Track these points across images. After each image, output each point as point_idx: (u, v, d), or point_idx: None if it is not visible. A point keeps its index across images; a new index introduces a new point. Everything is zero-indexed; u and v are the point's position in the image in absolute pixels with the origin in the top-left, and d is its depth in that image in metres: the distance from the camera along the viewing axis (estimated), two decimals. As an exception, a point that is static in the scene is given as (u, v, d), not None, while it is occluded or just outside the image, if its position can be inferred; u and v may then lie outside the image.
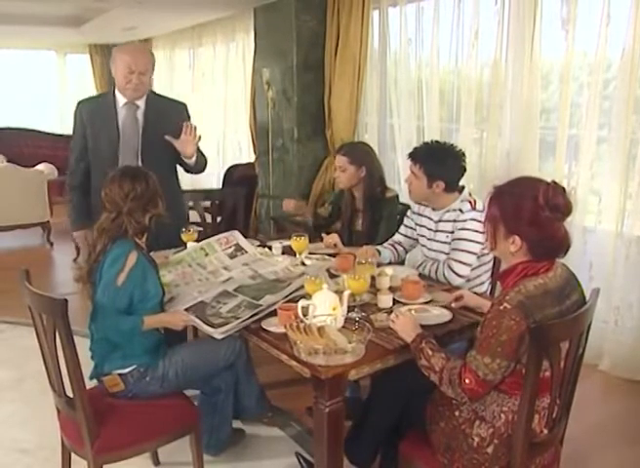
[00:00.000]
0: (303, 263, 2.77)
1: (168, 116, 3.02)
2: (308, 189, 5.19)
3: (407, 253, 3.02)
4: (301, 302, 2.07)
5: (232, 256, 2.76)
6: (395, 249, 2.95)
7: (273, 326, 2.11)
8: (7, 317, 4.15)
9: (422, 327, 1.98)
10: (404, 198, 3.18)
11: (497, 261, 2.73)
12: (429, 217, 2.79)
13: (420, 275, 2.60)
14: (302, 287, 2.30)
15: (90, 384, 2.14)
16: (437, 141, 2.75)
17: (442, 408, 1.88)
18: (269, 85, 5.24)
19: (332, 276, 2.57)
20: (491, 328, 1.69)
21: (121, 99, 2.99)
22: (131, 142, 2.97)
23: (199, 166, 3.10)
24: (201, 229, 3.51)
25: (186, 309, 2.27)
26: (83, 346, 2.08)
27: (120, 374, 2.20)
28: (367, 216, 3.20)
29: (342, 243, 3.01)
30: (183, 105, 3.17)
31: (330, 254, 2.91)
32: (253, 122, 5.88)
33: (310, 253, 2.90)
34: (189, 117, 3.14)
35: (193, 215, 3.84)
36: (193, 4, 5.75)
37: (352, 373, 1.89)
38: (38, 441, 2.75)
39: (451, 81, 4.28)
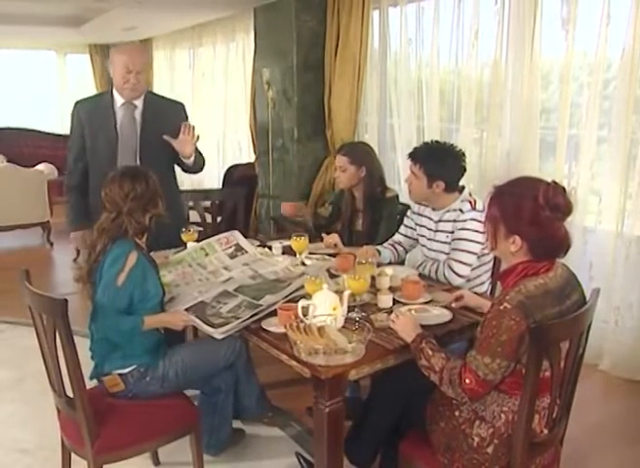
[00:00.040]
0: (304, 263, 2.77)
1: (166, 116, 3.02)
2: (308, 189, 5.19)
3: (407, 253, 3.02)
4: (302, 302, 2.07)
5: (232, 256, 2.76)
6: (395, 249, 2.95)
7: (273, 326, 2.11)
8: (7, 317, 4.15)
9: (423, 327, 1.98)
10: (404, 198, 3.18)
11: (497, 261, 2.73)
12: (429, 217, 2.79)
13: (420, 275, 2.60)
14: (303, 287, 2.30)
15: (90, 384, 2.14)
16: (437, 141, 2.75)
17: (442, 408, 1.88)
18: (269, 85, 5.24)
19: (332, 276, 2.57)
20: (491, 328, 1.69)
21: (119, 99, 2.99)
22: (129, 142, 2.97)
23: (197, 166, 3.10)
24: (201, 229, 3.51)
25: (187, 309, 2.27)
26: (83, 346, 2.08)
27: (120, 374, 2.20)
28: (367, 216, 3.20)
29: (343, 243, 3.01)
30: (181, 105, 3.17)
31: (330, 254, 2.91)
32: (253, 122, 5.88)
33: (310, 253, 2.90)
34: (187, 117, 3.14)
35: (193, 215, 3.84)
36: (193, 4, 5.75)
37: (352, 373, 1.89)
38: (38, 441, 2.75)
39: (451, 81, 4.28)
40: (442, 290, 2.48)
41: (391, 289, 2.39)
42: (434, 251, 2.75)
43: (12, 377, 3.39)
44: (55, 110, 9.14)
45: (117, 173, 2.29)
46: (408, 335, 1.93)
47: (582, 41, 3.36)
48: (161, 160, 2.94)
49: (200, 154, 3.09)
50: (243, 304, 2.28)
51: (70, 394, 2.01)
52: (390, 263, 2.83)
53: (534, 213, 1.71)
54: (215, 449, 2.53)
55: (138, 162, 2.93)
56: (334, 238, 3.01)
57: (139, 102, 3.00)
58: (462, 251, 2.60)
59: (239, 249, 2.81)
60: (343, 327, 1.98)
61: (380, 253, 2.87)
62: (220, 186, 6.19)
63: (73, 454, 2.18)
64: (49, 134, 8.59)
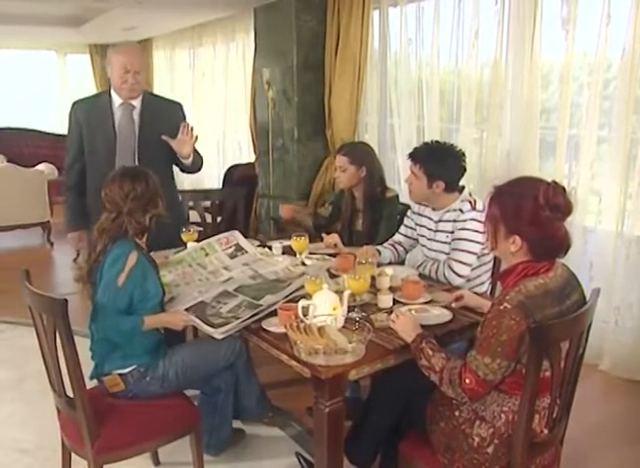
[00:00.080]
0: (304, 263, 2.77)
1: (164, 116, 3.02)
2: (308, 189, 5.19)
3: (407, 253, 3.02)
4: (302, 302, 2.07)
5: (232, 256, 2.76)
6: (395, 249, 2.95)
7: (273, 326, 2.11)
8: (7, 317, 4.15)
9: (423, 327, 1.98)
10: (404, 198, 3.18)
11: (497, 261, 2.73)
12: (429, 217, 2.79)
13: (420, 275, 2.60)
14: (303, 287, 2.30)
15: (90, 384, 2.14)
16: (437, 141, 2.75)
17: (442, 408, 1.88)
18: (269, 85, 5.24)
19: (332, 276, 2.57)
20: (491, 328, 1.69)
21: (117, 100, 2.99)
22: (127, 143, 2.97)
23: (195, 166, 3.10)
24: (201, 229, 3.51)
25: (187, 309, 2.27)
26: (83, 346, 2.08)
27: (120, 374, 2.20)
28: (367, 216, 3.20)
29: (343, 243, 3.01)
30: (179, 105, 3.17)
31: (330, 254, 2.91)
32: (253, 122, 5.88)
33: (310, 253, 2.90)
34: (185, 117, 3.14)
35: (193, 215, 3.84)
36: (193, 4, 5.75)
37: (352, 373, 1.89)
38: (38, 441, 2.75)
39: (451, 81, 4.28)
40: (442, 290, 2.48)
41: (391, 289, 2.39)
42: (434, 251, 2.75)
43: (12, 377, 3.39)
44: (55, 110, 9.14)
45: (117, 173, 2.29)
46: (408, 335, 1.93)
47: (582, 41, 3.36)
48: (159, 160, 2.93)
49: (198, 154, 3.09)
50: (243, 304, 2.28)
51: (70, 394, 2.01)
52: (390, 263, 2.83)
53: (534, 212, 1.71)
54: (215, 449, 2.53)
55: (136, 162, 2.93)
56: (334, 238, 3.01)
57: (136, 102, 3.00)
58: (462, 251, 2.60)
59: (239, 249, 2.81)
60: (344, 327, 1.98)
61: (380, 253, 2.87)
62: (220, 186, 6.20)
63: (73, 454, 2.18)
64: (49, 134, 8.59)
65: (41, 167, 7.31)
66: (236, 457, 2.63)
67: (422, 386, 1.91)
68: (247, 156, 6.56)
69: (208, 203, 3.92)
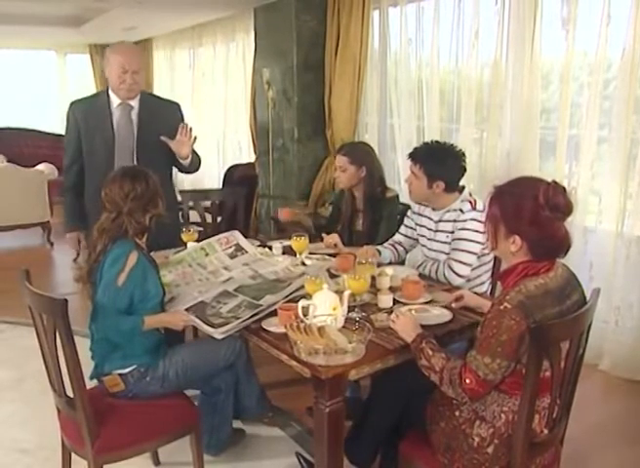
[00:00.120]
0: (304, 263, 2.77)
1: (162, 116, 3.02)
2: (308, 189, 5.19)
3: (407, 253, 3.02)
4: (302, 302, 2.07)
5: (232, 256, 2.76)
6: (395, 249, 2.95)
7: (273, 326, 2.11)
8: (7, 317, 4.15)
9: (423, 327, 1.98)
10: (404, 198, 3.18)
11: (497, 261, 2.73)
12: (429, 217, 2.79)
13: (420, 275, 2.60)
14: (303, 287, 2.30)
15: (90, 384, 2.14)
16: (437, 141, 2.75)
17: (442, 408, 1.88)
18: (269, 85, 5.24)
19: (332, 276, 2.57)
20: (491, 327, 1.69)
21: (115, 100, 2.98)
22: (126, 143, 2.96)
23: (193, 166, 3.10)
24: (201, 229, 3.51)
25: (187, 309, 2.27)
26: (83, 346, 2.08)
27: (120, 374, 2.20)
28: (367, 216, 3.20)
29: (343, 243, 3.01)
30: (177, 105, 3.17)
31: (330, 254, 2.91)
32: (253, 122, 5.88)
33: (310, 253, 2.90)
34: (183, 117, 3.13)
35: (193, 215, 3.84)
36: (193, 4, 5.75)
37: (352, 373, 1.89)
38: (38, 441, 2.75)
39: (451, 81, 4.28)
40: (442, 290, 2.48)
41: (391, 289, 2.38)
42: (434, 251, 2.75)
43: (12, 377, 3.39)
44: (55, 110, 9.14)
45: (117, 173, 2.28)
46: (408, 335, 1.93)
47: (583, 41, 3.36)
48: (158, 160, 2.93)
49: (196, 155, 3.09)
50: (243, 304, 2.28)
51: (70, 394, 2.01)
52: (390, 263, 2.83)
53: (534, 212, 1.71)
54: (215, 449, 2.53)
55: (135, 162, 2.93)
56: (334, 238, 3.01)
57: (134, 103, 2.99)
58: (463, 251, 2.60)
59: (239, 249, 2.81)
60: (344, 327, 1.98)
61: (380, 253, 2.87)
62: (221, 186, 6.19)
63: (73, 454, 2.18)
64: (49, 134, 8.60)
65: (41, 167, 7.31)
66: (236, 457, 2.63)
67: (422, 386, 1.91)
68: (247, 156, 6.56)
69: (208, 203, 3.92)
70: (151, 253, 2.42)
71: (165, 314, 2.27)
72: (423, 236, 2.84)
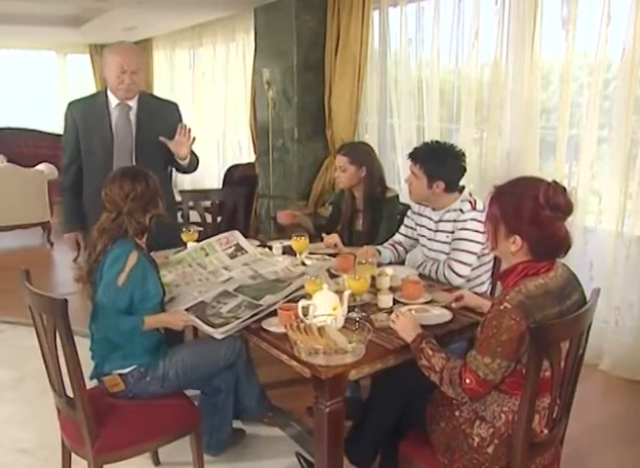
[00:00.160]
0: (304, 263, 2.77)
1: (160, 116, 3.02)
2: (309, 189, 5.19)
3: (407, 253, 3.02)
4: (302, 302, 2.07)
5: (232, 256, 2.76)
6: (395, 249, 2.95)
7: (273, 326, 2.11)
8: (7, 317, 4.15)
9: (423, 327, 1.98)
10: (404, 198, 3.18)
11: (497, 261, 2.73)
12: (429, 217, 2.79)
13: (420, 275, 2.60)
14: (303, 287, 2.30)
15: (90, 384, 2.14)
16: (437, 141, 2.74)
17: (442, 407, 1.88)
18: (269, 85, 5.24)
19: (332, 276, 2.57)
20: (491, 327, 1.69)
21: (113, 100, 2.98)
22: (125, 143, 2.96)
23: (191, 166, 3.10)
24: (201, 229, 3.51)
25: (187, 309, 2.27)
26: (83, 346, 2.08)
27: (120, 374, 2.20)
28: (367, 216, 3.20)
29: (343, 243, 3.01)
30: (175, 105, 3.17)
31: (330, 254, 2.91)
32: (253, 122, 5.88)
33: (310, 253, 2.90)
34: (181, 117, 3.13)
35: (193, 215, 3.84)
36: (193, 4, 5.75)
37: (352, 373, 1.89)
38: (38, 441, 2.75)
39: (451, 81, 4.28)
40: (442, 290, 2.48)
41: (391, 289, 2.38)
42: (434, 251, 2.75)
43: (12, 377, 3.39)
44: (55, 110, 9.12)
45: (117, 173, 2.28)
46: (408, 335, 1.93)
47: (583, 41, 3.36)
48: (157, 160, 2.93)
49: (194, 155, 3.09)
50: (243, 304, 2.28)
51: (70, 394, 2.01)
52: (390, 263, 2.83)
53: (534, 212, 1.71)
54: (215, 449, 2.53)
55: (134, 162, 2.93)
56: (334, 238, 3.01)
57: (133, 103, 2.99)
58: (463, 251, 2.60)
59: (239, 249, 2.81)
60: (344, 327, 1.98)
61: (380, 253, 2.87)
62: (221, 186, 6.19)
63: (73, 454, 2.18)
64: (49, 134, 8.59)
65: (41, 167, 7.31)
66: (236, 457, 2.63)
67: (422, 386, 1.91)
68: (247, 156, 6.56)
69: (208, 203, 3.93)
70: (151, 253, 2.42)
71: (165, 314, 2.27)
72: (423, 236, 2.84)
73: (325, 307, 2.02)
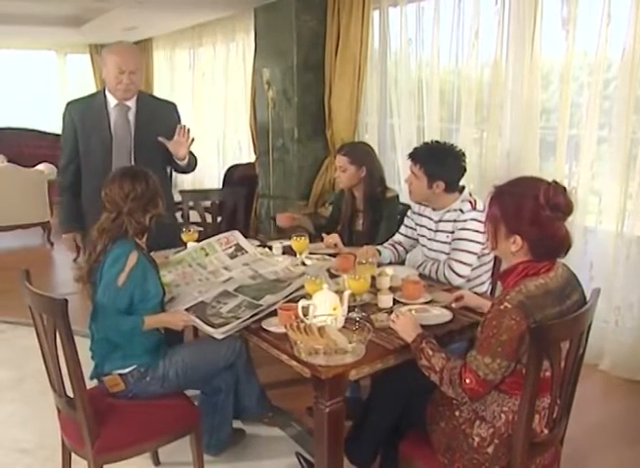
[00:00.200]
0: (304, 263, 2.77)
1: (159, 116, 3.02)
2: (309, 189, 5.19)
3: (407, 253, 3.02)
4: (302, 302, 2.07)
5: (232, 256, 2.76)
6: (395, 249, 2.95)
7: (273, 326, 2.11)
8: (7, 317, 4.15)
9: (423, 327, 1.98)
10: (404, 198, 3.18)
11: (497, 261, 2.73)
12: (429, 217, 2.79)
13: (420, 275, 2.60)
14: (303, 287, 2.30)
15: (90, 384, 2.14)
16: (437, 141, 2.75)
17: (442, 407, 1.88)
18: (269, 85, 5.24)
19: (332, 276, 2.57)
20: (491, 327, 1.69)
21: (112, 100, 2.97)
22: (124, 144, 2.96)
23: (190, 166, 3.10)
24: (201, 229, 3.51)
25: (187, 309, 2.27)
26: (83, 346, 2.08)
27: (120, 374, 2.20)
28: (367, 216, 3.20)
29: (343, 243, 3.01)
30: (173, 105, 3.16)
31: (330, 254, 2.91)
32: (253, 122, 5.88)
33: (311, 253, 2.90)
34: (179, 117, 3.13)
35: (193, 215, 3.84)
36: (193, 4, 5.75)
37: (353, 373, 1.89)
38: (38, 441, 2.75)
39: (451, 81, 4.28)
40: (442, 290, 2.48)
41: (391, 289, 2.38)
42: (434, 251, 2.75)
43: (12, 377, 3.39)
44: (55, 110, 9.11)
45: (117, 173, 2.29)
46: (408, 335, 1.93)
47: (583, 41, 3.36)
48: (155, 161, 2.92)
49: (193, 155, 3.08)
50: (243, 304, 2.28)
51: (70, 394, 2.01)
52: (391, 263, 2.83)
53: (534, 212, 1.71)
54: (215, 449, 2.53)
55: (132, 163, 2.92)
56: (334, 238, 3.01)
57: (131, 103, 2.99)
58: (463, 251, 2.60)
59: (239, 249, 2.81)
60: (344, 327, 1.98)
61: (380, 253, 2.87)
62: (221, 186, 6.20)
63: (73, 454, 2.18)
64: (49, 134, 8.59)
65: (41, 167, 7.31)
66: (236, 457, 2.63)
67: (422, 386, 1.91)
68: (247, 156, 6.56)
69: (208, 203, 3.93)
70: (151, 253, 2.42)
71: (165, 314, 2.27)
72: (423, 236, 2.84)
73: (325, 307, 2.02)
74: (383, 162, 3.83)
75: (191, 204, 3.82)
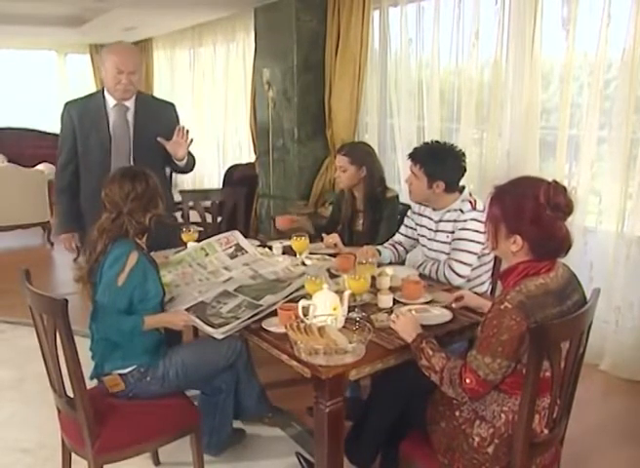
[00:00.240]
0: (304, 263, 2.77)
1: (158, 117, 3.02)
2: (309, 189, 5.19)
3: (407, 253, 3.02)
4: (302, 302, 2.07)
5: (233, 256, 2.76)
6: (396, 249, 2.95)
7: (274, 326, 2.11)
8: (7, 317, 4.15)
9: (423, 327, 1.98)
10: (404, 198, 3.18)
11: (497, 261, 2.73)
12: (430, 217, 2.79)
13: (420, 275, 2.60)
14: (303, 287, 2.30)
15: (90, 384, 2.14)
16: (437, 141, 2.74)
17: (442, 407, 1.88)
18: (270, 85, 5.24)
19: (332, 276, 2.57)
20: (491, 327, 1.69)
21: (111, 101, 2.97)
22: (123, 144, 2.96)
23: (188, 167, 3.11)
24: (201, 229, 3.51)
25: (187, 309, 2.27)
26: (83, 346, 2.08)
27: (120, 374, 2.20)
28: (367, 217, 3.20)
29: (343, 243, 3.01)
30: (172, 106, 3.16)
31: (330, 254, 2.91)
32: (253, 122, 5.88)
33: (311, 253, 2.90)
34: (178, 117, 3.13)
35: (193, 215, 3.84)
36: (193, 4, 5.75)
37: (353, 373, 1.89)
38: (39, 440, 2.75)
39: (451, 81, 4.28)
40: (442, 290, 2.48)
41: (392, 289, 2.38)
42: (434, 251, 2.75)
43: (12, 377, 3.39)
44: (55, 110, 9.07)
45: (117, 173, 2.28)
46: (408, 335, 1.93)
47: (583, 41, 3.36)
48: (154, 161, 2.91)
49: (191, 155, 3.08)
50: (243, 304, 2.28)
51: (71, 394, 2.01)
52: (391, 263, 2.83)
53: (535, 212, 1.71)
54: (215, 450, 2.53)
55: (131, 163, 2.93)
56: (334, 238, 3.01)
57: (130, 104, 2.98)
58: (463, 251, 2.60)
59: (239, 249, 2.81)
60: (344, 327, 1.98)
61: (380, 253, 2.87)
62: (221, 186, 6.20)
63: (73, 454, 2.18)
64: (49, 134, 8.58)
65: (41, 167, 7.31)
66: (236, 457, 2.63)
67: (422, 386, 1.91)
68: (247, 156, 6.57)
69: (208, 203, 3.92)
70: (151, 253, 2.42)
71: (165, 314, 2.27)
72: (424, 236, 2.84)
73: (325, 307, 2.02)
74: (383, 162, 3.83)
75: (191, 204, 3.82)
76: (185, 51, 7.96)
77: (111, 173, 2.33)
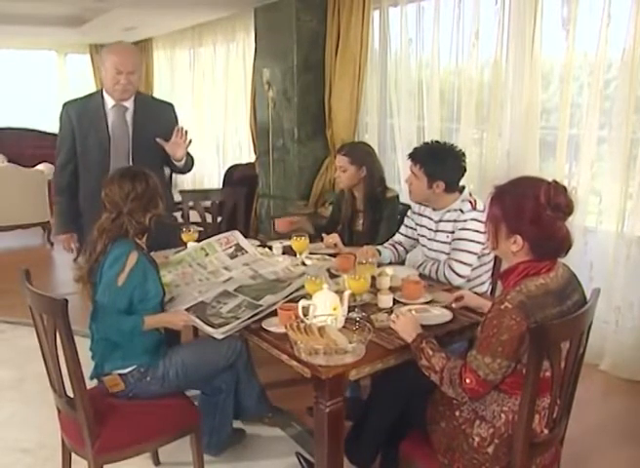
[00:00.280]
0: (304, 263, 2.77)
1: (156, 117, 3.01)
2: (309, 189, 5.19)
3: (407, 253, 3.02)
4: (302, 302, 2.07)
5: (233, 256, 2.76)
6: (396, 249, 2.95)
7: (274, 326, 2.11)
8: (7, 317, 4.15)
9: (423, 327, 1.98)
10: (404, 198, 3.18)
11: (497, 261, 2.73)
12: (430, 218, 2.79)
13: (420, 275, 2.60)
14: (303, 287, 2.30)
15: (90, 384, 2.14)
16: (437, 141, 2.74)
17: (442, 407, 1.88)
18: (270, 85, 5.24)
19: (332, 276, 2.57)
20: (491, 327, 1.69)
21: (110, 101, 2.97)
22: (122, 144, 2.95)
23: (187, 167, 3.11)
24: (201, 229, 3.51)
25: (187, 309, 2.27)
26: (83, 346, 2.08)
27: (120, 374, 2.20)
28: (367, 217, 3.20)
29: (343, 243, 3.01)
30: (171, 106, 3.16)
31: (330, 254, 2.91)
32: (253, 122, 5.88)
33: (311, 253, 2.90)
34: (177, 118, 3.13)
35: (193, 215, 3.85)
36: (193, 4, 5.75)
37: (353, 373, 1.89)
38: (39, 440, 2.75)
39: (451, 81, 4.28)
40: (442, 290, 2.48)
41: (392, 289, 2.38)
42: (434, 251, 2.75)
43: (12, 377, 3.39)
44: (55, 110, 9.08)
45: (117, 173, 2.28)
46: (408, 335, 1.93)
47: (583, 41, 3.36)
48: (153, 161, 2.90)
49: (190, 156, 3.08)
50: (243, 304, 2.28)
51: (71, 394, 2.01)
52: (391, 263, 2.83)
53: (535, 212, 1.71)
54: (215, 450, 2.53)
55: (130, 163, 2.92)
56: (334, 238, 3.01)
57: (129, 104, 2.98)
58: (463, 251, 2.60)
59: (239, 249, 2.81)
60: (344, 327, 1.98)
61: (380, 253, 2.87)
62: (221, 186, 6.20)
63: (73, 454, 2.18)
64: (49, 134, 8.56)
65: (41, 167, 7.31)
66: (236, 457, 2.63)
67: (422, 386, 1.91)
68: (247, 156, 6.57)
69: (208, 203, 3.92)
70: (151, 253, 2.42)
71: (165, 314, 2.27)
72: (424, 236, 2.84)
73: (325, 307, 2.02)
74: (383, 162, 3.83)
75: (191, 204, 3.82)
76: (185, 51, 7.95)
77: (111, 173, 2.33)
